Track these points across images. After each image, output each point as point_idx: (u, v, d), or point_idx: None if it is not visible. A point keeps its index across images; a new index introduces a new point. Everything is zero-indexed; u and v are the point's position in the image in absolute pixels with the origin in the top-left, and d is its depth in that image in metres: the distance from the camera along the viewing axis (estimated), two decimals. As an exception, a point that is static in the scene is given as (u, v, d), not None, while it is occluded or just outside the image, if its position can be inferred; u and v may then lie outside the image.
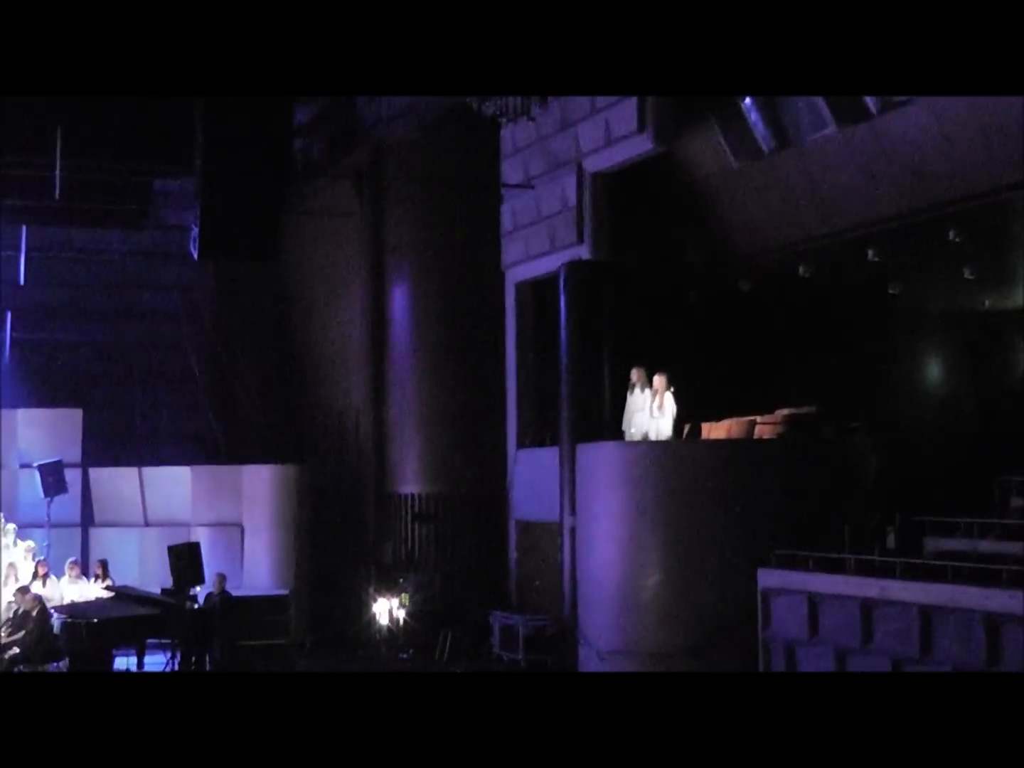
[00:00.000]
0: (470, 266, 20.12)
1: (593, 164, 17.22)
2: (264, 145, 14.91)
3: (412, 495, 20.34)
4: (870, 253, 15.63)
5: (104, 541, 19.55)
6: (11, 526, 17.50)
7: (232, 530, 20.00)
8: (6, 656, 14.43)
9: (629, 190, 17.21)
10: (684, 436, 15.02)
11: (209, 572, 16.71)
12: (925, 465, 16.12)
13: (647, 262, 17.38)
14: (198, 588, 16.24)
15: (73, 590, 16.53)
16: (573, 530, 16.05)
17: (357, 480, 21.16)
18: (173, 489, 20.02)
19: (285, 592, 18.63)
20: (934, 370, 19.19)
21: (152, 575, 18.16)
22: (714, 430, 15.24)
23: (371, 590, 18.91)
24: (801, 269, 16.52)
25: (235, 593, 17.14)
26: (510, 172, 19.08)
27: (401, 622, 18.43)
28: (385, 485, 20.67)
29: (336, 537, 20.96)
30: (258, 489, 20.07)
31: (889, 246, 15.51)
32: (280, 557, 19.88)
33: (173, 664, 15.11)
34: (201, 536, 18.94)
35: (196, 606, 15.78)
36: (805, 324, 18.01)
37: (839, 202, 15.20)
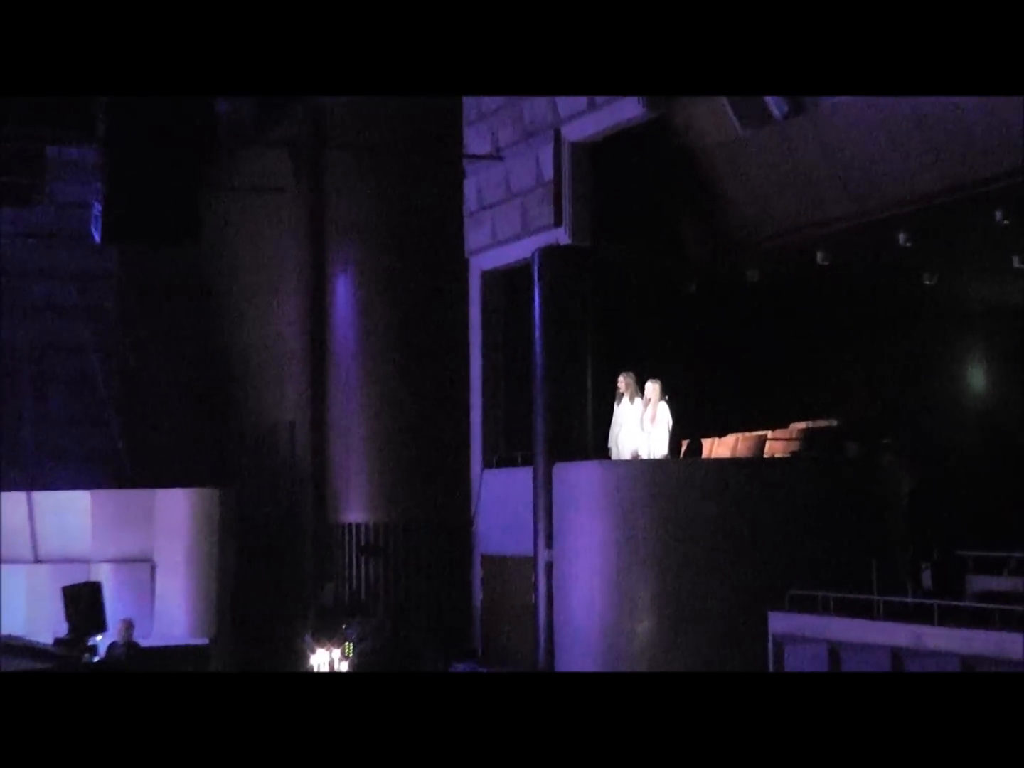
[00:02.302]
0: (427, 252, 19.99)
1: (574, 132, 17.15)
2: (181, 107, 14.79)
3: (358, 525, 20.20)
4: (901, 237, 15.65)
5: (-15, 580, 19.39)
6: None
7: (141, 567, 19.80)
8: None
9: (616, 163, 17.14)
10: (681, 454, 14.96)
11: (112, 618, 16.54)
12: (967, 489, 16.12)
13: (637, 248, 17.33)
14: (99, 637, 16.08)
15: (-53, 640, 16.26)
16: (550, 566, 16.00)
17: (292, 507, 21.02)
18: (69, 518, 19.79)
19: (205, 641, 18.50)
20: (977, 376, 19.28)
21: (43, 621, 17.95)
22: (717, 447, 15.21)
23: (309, 638, 18.73)
24: (819, 256, 16.52)
25: (144, 643, 16.98)
26: (475, 141, 18.99)
27: (344, 676, 18.31)
28: (326, 513, 20.54)
29: (267, 575, 20.77)
30: (173, 518, 19.91)
31: (924, 229, 15.51)
32: (199, 599, 19.73)
33: (69, 728, 14.88)
34: (103, 574, 18.76)
35: (96, 659, 15.59)
36: (824, 322, 18.09)
37: (864, 177, 15.17)
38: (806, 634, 12.78)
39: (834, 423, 15.49)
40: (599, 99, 16.47)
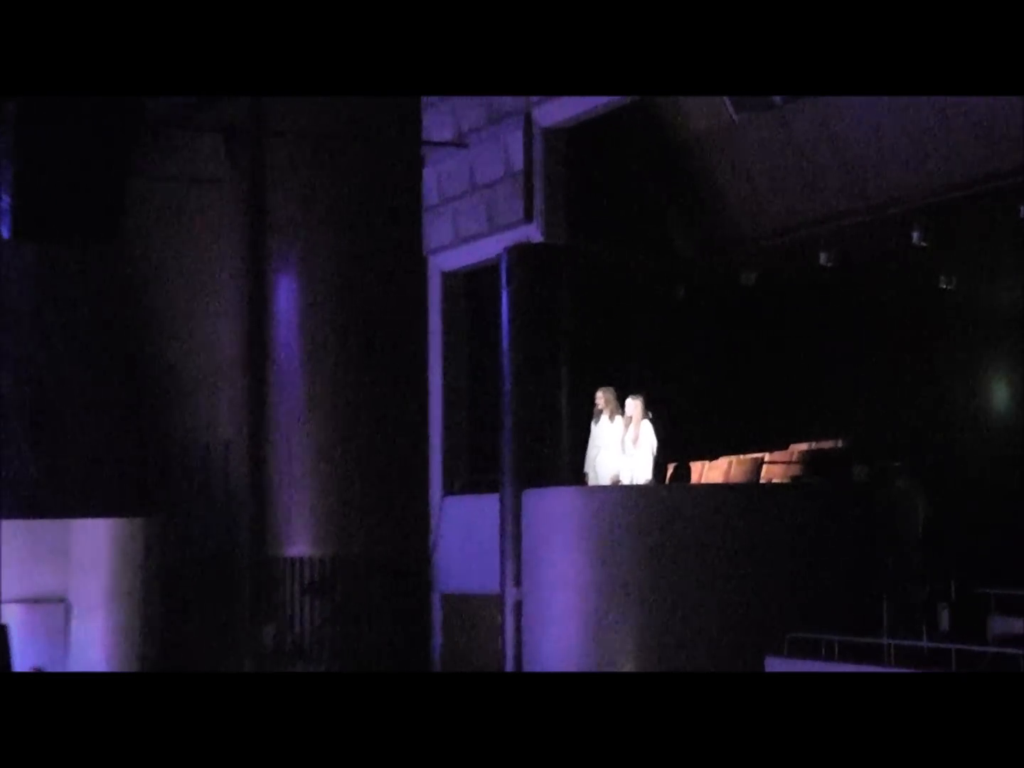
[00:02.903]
0: (381, 251, 20.03)
1: (546, 116, 17.15)
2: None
3: (302, 559, 20.14)
4: (915, 236, 15.68)
5: None
6: None
7: (54, 608, 19.76)
8: None
9: (595, 151, 17.17)
10: (668, 479, 14.93)
11: (21, 664, 16.40)
12: (990, 518, 16.17)
13: (618, 247, 17.34)
14: (6, 687, 15.86)
15: None
16: (519, 605, 15.95)
17: (227, 539, 20.90)
18: (-28, 552, 19.75)
19: (127, 691, 18.34)
20: (1001, 391, 19.31)
21: (-57, 669, 17.85)
22: (708, 471, 15.17)
23: (245, 688, 18.67)
24: (823, 257, 16.53)
25: (57, 693, 16.79)
26: (435, 125, 18.97)
27: (285, 731, 18.21)
28: (265, 546, 20.45)
29: (198, 616, 20.71)
30: (91, 551, 19.90)
31: (940, 226, 15.55)
32: (120, 643, 19.74)
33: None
34: (10, 615, 18.68)
35: (3, 711, 15.43)
36: (828, 330, 18.09)
37: (873, 168, 15.22)
38: (808, 682, 12.78)
39: (839, 444, 15.44)
40: (575, 79, 16.49)
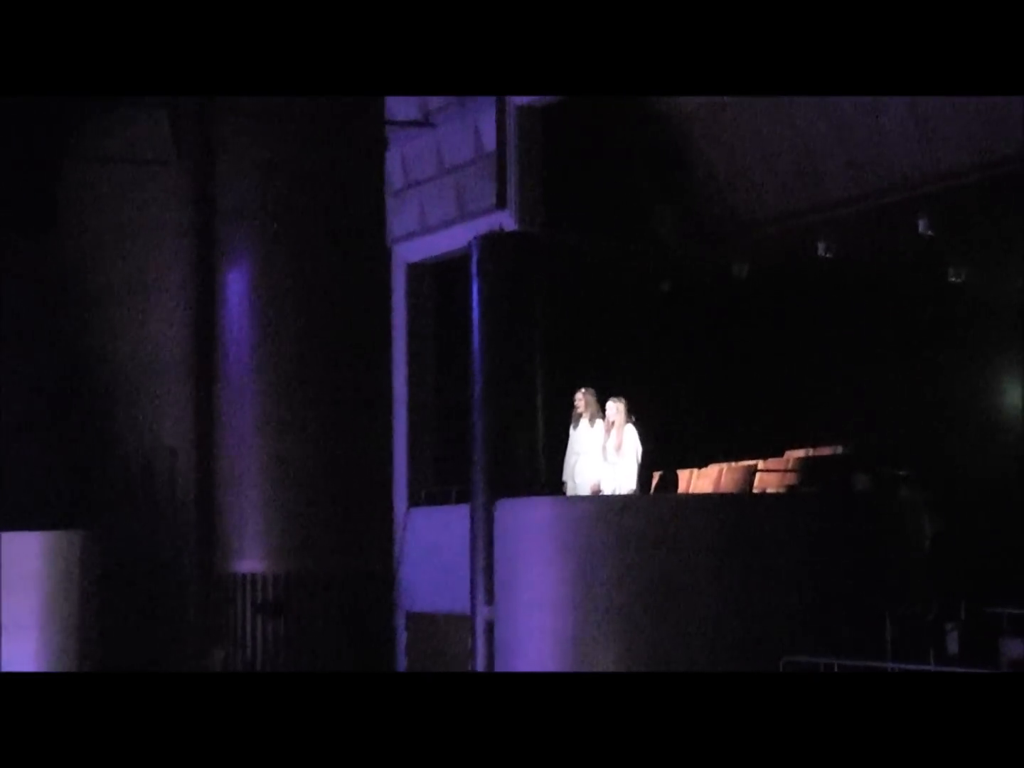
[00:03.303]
0: (340, 241, 20.03)
1: (521, 92, 17.20)
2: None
3: (254, 576, 20.11)
4: (921, 225, 15.74)
5: None
6: None
7: (-19, 628, 19.63)
8: None
9: (574, 132, 17.19)
10: (653, 488, 14.95)
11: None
12: (1001, 532, 16.20)
13: (598, 236, 17.38)
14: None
15: None
16: (491, 626, 15.95)
17: (172, 554, 20.86)
18: None
19: (62, 721, 18.26)
20: (1014, 394, 19.34)
21: None
22: (697, 480, 15.20)
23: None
24: (821, 247, 16.60)
25: (-15, 723, 16.72)
26: (399, 103, 18.94)
27: (235, 764, 18.16)
28: (214, 561, 20.43)
29: (139, 638, 20.59)
30: (20, 568, 19.68)
31: (948, 215, 15.59)
32: (54, 666, 19.55)
33: None
34: (-67, 639, 18.63)
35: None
36: (827, 327, 18.11)
37: (877, 152, 15.27)
38: (805, 709, 12.79)
39: (839, 451, 15.49)
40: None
